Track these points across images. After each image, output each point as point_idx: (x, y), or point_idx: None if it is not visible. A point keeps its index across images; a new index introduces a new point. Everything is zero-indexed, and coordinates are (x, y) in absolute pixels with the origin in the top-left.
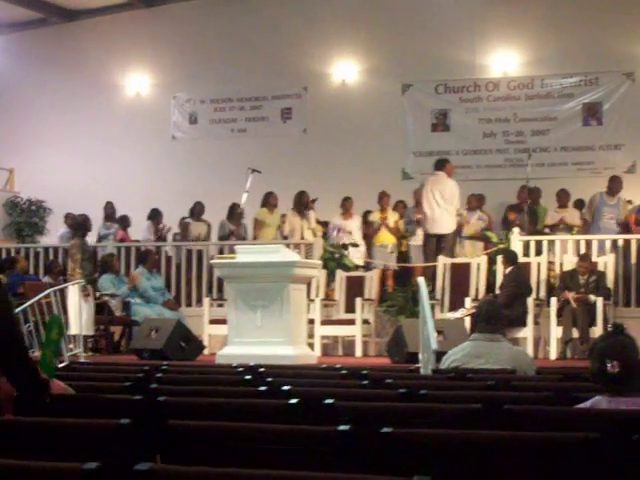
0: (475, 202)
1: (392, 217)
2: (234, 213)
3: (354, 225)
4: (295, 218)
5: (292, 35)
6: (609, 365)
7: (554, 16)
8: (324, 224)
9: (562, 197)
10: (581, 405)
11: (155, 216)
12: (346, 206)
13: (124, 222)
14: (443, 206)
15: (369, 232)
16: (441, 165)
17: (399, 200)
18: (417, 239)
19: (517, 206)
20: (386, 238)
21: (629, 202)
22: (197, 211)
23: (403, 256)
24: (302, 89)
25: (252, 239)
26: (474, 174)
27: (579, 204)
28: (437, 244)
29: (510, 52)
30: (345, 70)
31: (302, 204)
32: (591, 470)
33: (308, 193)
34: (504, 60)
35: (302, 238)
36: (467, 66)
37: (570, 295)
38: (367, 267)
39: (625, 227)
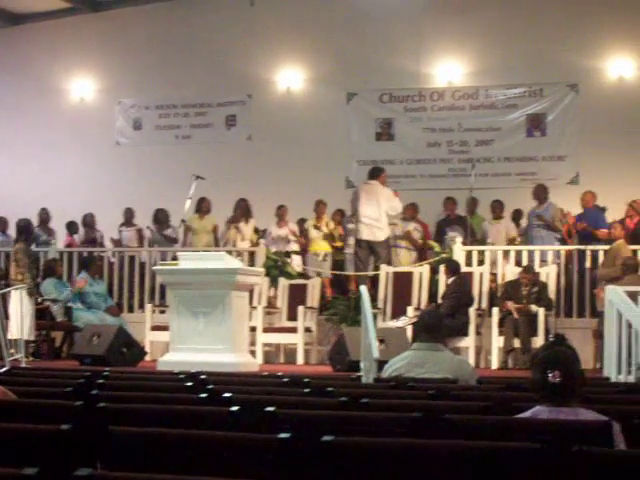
0: (410, 212)
1: (327, 225)
2: (160, 219)
3: (289, 233)
4: (234, 225)
5: (237, 42)
6: (550, 375)
7: (499, 27)
8: (263, 232)
9: (496, 208)
10: (521, 415)
11: (88, 222)
12: (280, 214)
13: (71, 228)
14: (377, 215)
15: (303, 240)
16: (376, 174)
17: (338, 209)
18: (351, 247)
19: (453, 218)
20: (320, 246)
21: (561, 210)
22: (128, 218)
23: (339, 264)
24: (247, 96)
25: (181, 245)
26: (418, 183)
27: (516, 215)
28: (369, 251)
29: (455, 62)
30: (290, 78)
31: (241, 211)
32: None
33: (248, 200)
34: (449, 70)
35: (234, 245)
36: (412, 75)
37: (511, 306)
38: (306, 275)
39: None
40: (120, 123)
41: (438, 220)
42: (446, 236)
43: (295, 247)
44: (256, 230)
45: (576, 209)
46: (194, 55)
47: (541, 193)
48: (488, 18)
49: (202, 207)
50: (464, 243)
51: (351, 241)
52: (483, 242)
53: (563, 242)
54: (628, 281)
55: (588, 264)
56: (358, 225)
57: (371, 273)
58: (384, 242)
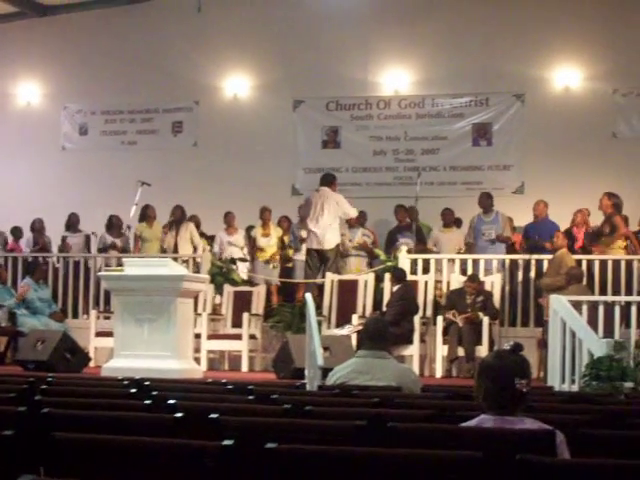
0: (355, 220)
1: (275, 233)
2: (112, 225)
3: (239, 240)
4: (171, 232)
5: (184, 48)
6: (518, 384)
7: (446, 37)
8: (210, 238)
9: (446, 216)
10: (467, 423)
11: (37, 227)
12: (228, 220)
13: (16, 233)
14: (328, 222)
15: (252, 247)
16: (328, 181)
17: (284, 215)
18: (301, 255)
19: (405, 226)
20: (268, 254)
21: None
22: (72, 222)
23: (287, 272)
24: (193, 103)
25: (133, 253)
26: (363, 191)
27: (457, 223)
28: (320, 259)
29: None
30: (237, 85)
31: (176, 218)
32: None
33: (183, 207)
34: (396, 79)
35: (175, 251)
36: (359, 84)
37: (454, 315)
38: (252, 282)
39: (509, 245)
40: (66, 128)
41: (390, 228)
42: (398, 243)
43: (242, 254)
44: (203, 235)
45: (521, 218)
46: (141, 61)
47: (486, 201)
48: (435, 28)
49: (148, 214)
50: (409, 251)
51: (301, 248)
52: (430, 251)
53: (509, 251)
54: (572, 291)
55: (533, 273)
56: (309, 234)
57: (319, 281)
58: (334, 249)
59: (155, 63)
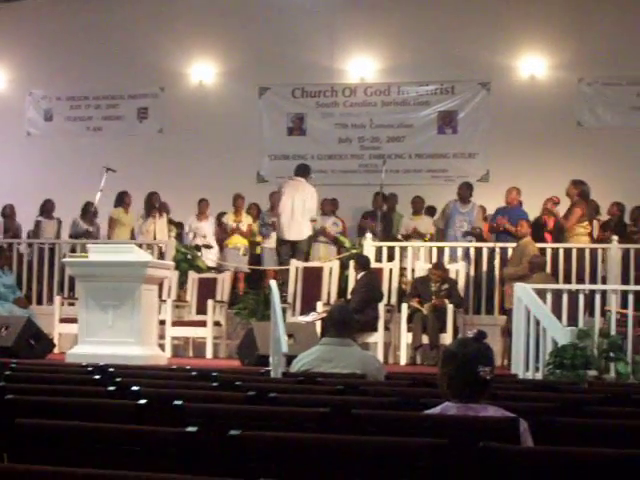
0: (329, 206)
1: (246, 220)
2: (88, 212)
3: (208, 227)
4: (147, 219)
5: (149, 35)
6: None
7: (412, 24)
8: (179, 225)
9: (417, 204)
10: (430, 411)
11: (8, 213)
12: (201, 207)
13: None
14: (301, 213)
15: (222, 234)
16: (303, 171)
17: (253, 203)
18: (271, 242)
19: (371, 212)
20: (238, 241)
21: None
22: (47, 208)
23: (256, 259)
24: (159, 89)
25: (107, 238)
26: (329, 179)
27: (431, 211)
28: (291, 249)
29: (368, 58)
30: (203, 71)
31: (152, 205)
32: (437, 476)
33: (159, 194)
34: (361, 66)
35: (155, 239)
36: (325, 71)
37: (419, 303)
38: (219, 269)
39: (479, 236)
40: (31, 114)
41: (355, 215)
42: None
43: (207, 241)
44: (171, 222)
45: (486, 206)
46: (106, 47)
47: (465, 191)
48: (401, 15)
49: (125, 200)
50: (376, 238)
51: (271, 236)
52: (404, 238)
53: (479, 238)
54: (536, 279)
55: (497, 262)
56: (280, 223)
57: (283, 267)
58: (306, 240)
59: (121, 49)
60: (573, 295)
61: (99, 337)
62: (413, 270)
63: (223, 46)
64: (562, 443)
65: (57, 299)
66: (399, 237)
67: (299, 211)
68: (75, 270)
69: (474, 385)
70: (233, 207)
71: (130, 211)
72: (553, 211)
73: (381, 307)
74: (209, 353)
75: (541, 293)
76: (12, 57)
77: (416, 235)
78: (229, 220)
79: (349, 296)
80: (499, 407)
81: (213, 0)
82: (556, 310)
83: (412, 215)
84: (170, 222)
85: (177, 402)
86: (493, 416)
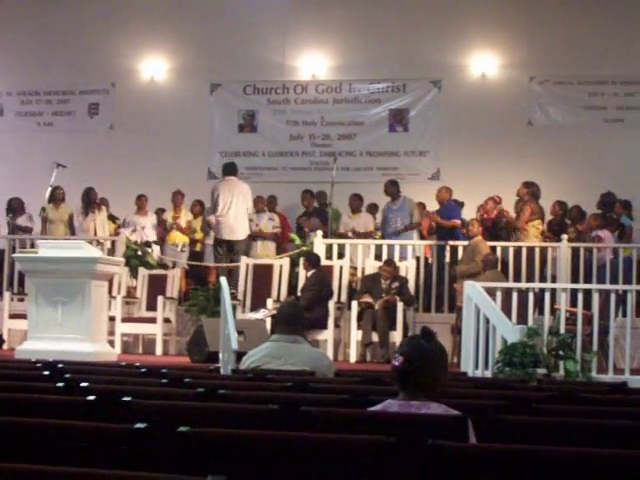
0: (262, 204)
1: (185, 217)
2: (12, 207)
3: (148, 222)
4: (87, 216)
5: (101, 30)
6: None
7: (363, 22)
8: (123, 222)
9: (354, 202)
10: (373, 408)
11: None
12: (140, 203)
13: None
14: (238, 211)
15: (162, 230)
16: (233, 170)
17: (197, 200)
18: (211, 239)
19: (305, 212)
20: (178, 237)
21: (421, 204)
22: (14, 206)
23: (196, 255)
24: (110, 85)
25: (40, 234)
26: (279, 176)
27: (372, 209)
28: (229, 249)
29: (319, 55)
30: (154, 67)
31: (91, 201)
32: (386, 474)
33: (95, 189)
34: (313, 63)
35: (95, 235)
36: (276, 68)
37: (367, 299)
38: (164, 265)
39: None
40: None
41: (298, 214)
42: (305, 229)
43: (146, 237)
44: (112, 218)
45: (437, 204)
46: (58, 42)
47: (391, 188)
48: (353, 13)
49: (56, 196)
50: (324, 236)
51: (209, 233)
52: (344, 235)
53: (423, 237)
54: (487, 277)
55: (447, 260)
56: (218, 223)
57: (231, 265)
58: (244, 240)
59: (72, 44)
60: (523, 293)
61: (49, 333)
62: (363, 268)
63: (174, 42)
64: (511, 441)
65: (6, 295)
66: (341, 232)
67: (239, 210)
68: (25, 266)
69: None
70: (172, 203)
71: (62, 207)
72: (506, 214)
73: (331, 304)
74: (159, 350)
75: (491, 291)
76: None
77: (354, 235)
78: (168, 216)
79: (299, 293)
80: (440, 404)
81: None
82: (506, 308)
83: (351, 214)
84: (110, 217)
85: (126, 399)
86: (438, 413)
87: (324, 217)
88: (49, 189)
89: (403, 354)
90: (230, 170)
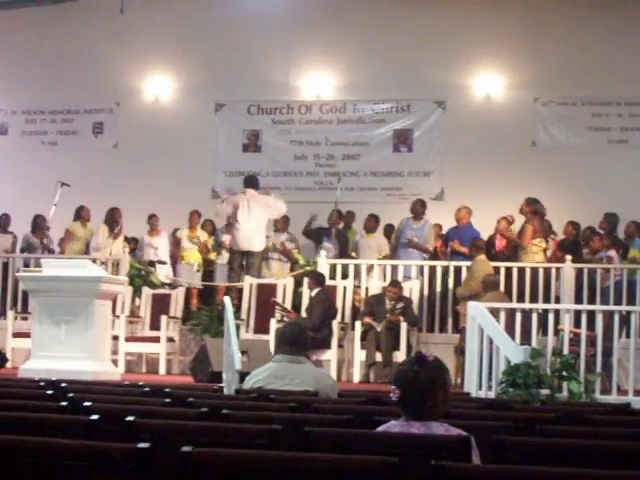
0: (282, 224)
1: (201, 236)
2: (37, 225)
3: (161, 242)
4: (106, 234)
5: (106, 50)
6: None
7: (368, 42)
8: (133, 241)
9: (369, 222)
10: (377, 430)
11: None
12: (152, 223)
13: None
14: (255, 224)
15: (176, 250)
16: (253, 182)
17: (208, 219)
18: (223, 258)
19: (327, 230)
20: (192, 256)
21: (437, 225)
22: (2, 223)
23: (208, 275)
24: (114, 104)
25: (59, 252)
26: (284, 196)
27: (388, 230)
28: (244, 261)
29: (324, 76)
30: (159, 87)
31: (114, 221)
32: None
33: (120, 209)
34: (318, 83)
35: (111, 254)
36: (281, 88)
37: (369, 321)
38: (172, 285)
39: (433, 254)
40: None
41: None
42: (320, 246)
43: (160, 257)
44: (126, 239)
45: (442, 225)
46: (63, 61)
47: (419, 208)
48: (357, 33)
49: (82, 215)
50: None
51: (222, 253)
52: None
53: (431, 257)
54: (490, 297)
55: (451, 280)
56: (236, 234)
57: (239, 284)
58: (259, 253)
59: (77, 63)
60: (526, 314)
61: (52, 352)
62: (367, 288)
63: (179, 62)
64: (514, 462)
65: (10, 314)
66: (353, 255)
67: (253, 223)
68: (29, 285)
69: (429, 406)
70: (188, 223)
71: (87, 226)
72: (506, 234)
73: (335, 324)
74: (162, 369)
75: (494, 312)
76: None
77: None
78: (183, 235)
79: (303, 313)
80: (442, 423)
81: (170, 16)
82: (509, 329)
83: (365, 233)
84: (125, 239)
85: (129, 418)
86: (443, 434)
87: (344, 238)
88: (53, 208)
89: (398, 388)
90: (250, 182)
